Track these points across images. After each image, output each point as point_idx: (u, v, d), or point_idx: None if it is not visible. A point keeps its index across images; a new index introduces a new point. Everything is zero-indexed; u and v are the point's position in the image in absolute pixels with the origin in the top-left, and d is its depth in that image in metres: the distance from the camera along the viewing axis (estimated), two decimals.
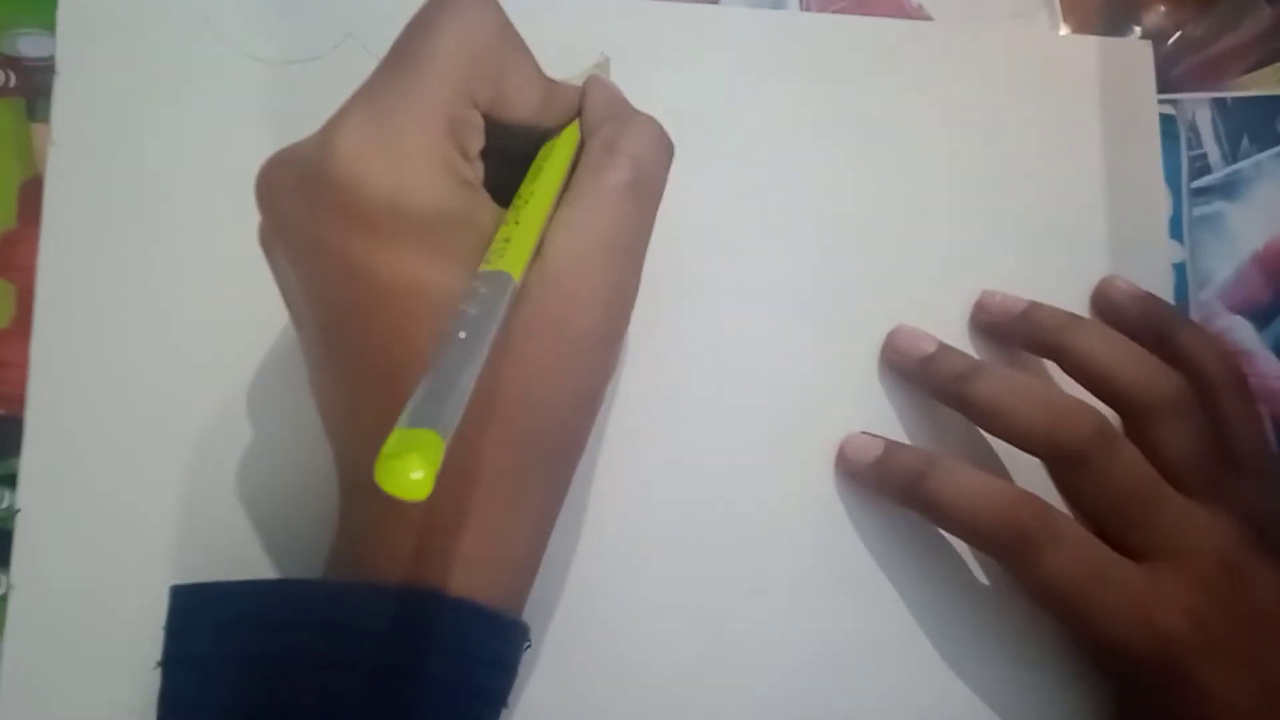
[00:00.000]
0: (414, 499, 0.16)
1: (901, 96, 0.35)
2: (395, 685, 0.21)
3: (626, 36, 0.33)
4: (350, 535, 0.24)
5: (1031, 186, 0.36)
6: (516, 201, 0.23)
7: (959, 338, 0.34)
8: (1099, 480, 0.29)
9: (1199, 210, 0.39)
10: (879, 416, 0.33)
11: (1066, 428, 0.29)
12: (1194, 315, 0.37)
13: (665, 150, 0.25)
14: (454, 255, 0.21)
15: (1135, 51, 0.38)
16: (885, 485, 0.31)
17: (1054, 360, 0.32)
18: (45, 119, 0.30)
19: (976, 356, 0.33)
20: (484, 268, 0.20)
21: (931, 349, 0.32)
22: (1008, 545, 0.28)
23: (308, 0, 0.31)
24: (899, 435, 0.33)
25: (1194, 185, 0.39)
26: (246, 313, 0.29)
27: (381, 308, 0.21)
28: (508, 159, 0.24)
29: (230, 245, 0.29)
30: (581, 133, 0.25)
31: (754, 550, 0.31)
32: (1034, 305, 0.33)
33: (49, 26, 0.31)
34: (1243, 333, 0.37)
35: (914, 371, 0.32)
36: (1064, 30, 0.39)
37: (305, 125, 0.29)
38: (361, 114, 0.21)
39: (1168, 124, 0.39)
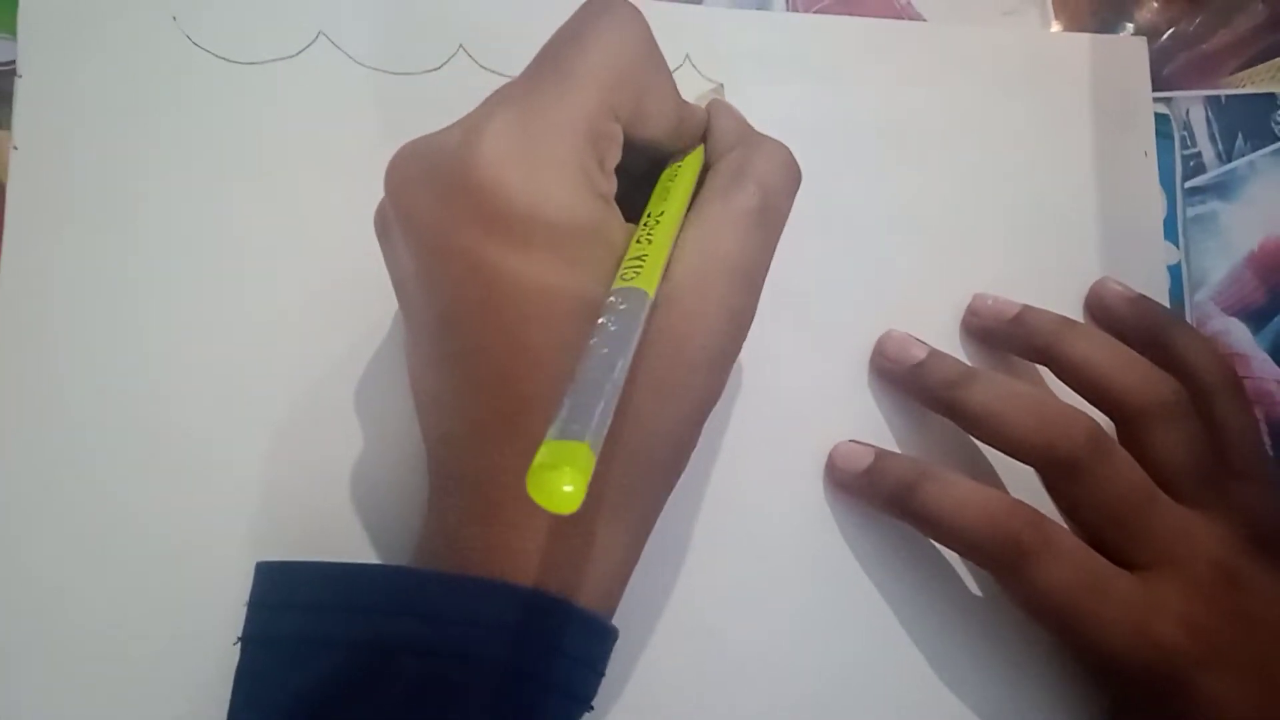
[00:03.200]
0: (564, 511, 0.16)
1: (891, 97, 0.34)
2: (492, 678, 0.21)
3: None
4: (443, 529, 0.24)
5: (1024, 187, 0.35)
6: (647, 220, 0.23)
7: (950, 341, 0.33)
8: (1093, 488, 0.29)
9: (1193, 210, 0.38)
10: (869, 423, 0.32)
11: (1059, 435, 0.29)
12: (1189, 318, 0.37)
13: (793, 178, 0.25)
14: (583, 266, 0.22)
15: (1129, 49, 0.37)
16: (875, 495, 0.30)
17: (1047, 366, 0.32)
18: (6, 126, 0.30)
19: (968, 362, 0.33)
20: (619, 284, 0.21)
21: (922, 355, 0.32)
22: (1000, 556, 0.28)
23: None
24: (889, 443, 0.32)
25: (1188, 185, 0.38)
26: (215, 315, 0.29)
27: (505, 311, 0.21)
28: (629, 176, 0.24)
29: (200, 248, 0.29)
30: (708, 156, 0.26)
31: (744, 558, 0.30)
32: (1027, 309, 0.33)
33: (9, 30, 0.30)
34: (1238, 335, 0.37)
35: (905, 378, 0.32)
36: (1055, 28, 0.38)
37: (275, 126, 0.29)
38: (507, 117, 0.21)
39: (1161, 123, 0.38)
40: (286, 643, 0.22)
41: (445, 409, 0.24)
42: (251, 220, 0.29)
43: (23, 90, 0.29)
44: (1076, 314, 0.35)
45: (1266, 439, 0.35)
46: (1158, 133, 0.38)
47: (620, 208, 0.23)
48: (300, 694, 0.21)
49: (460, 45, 0.30)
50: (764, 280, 0.25)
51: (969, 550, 0.29)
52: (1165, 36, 0.39)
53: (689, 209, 0.24)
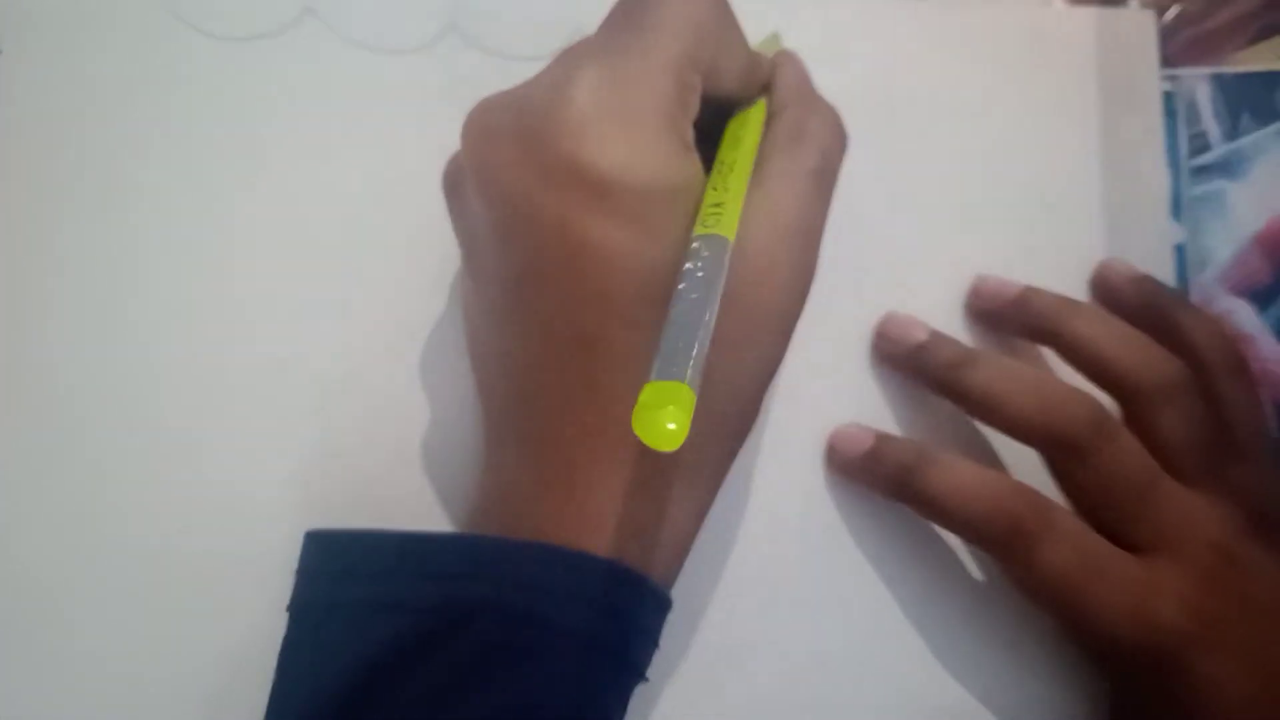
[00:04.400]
0: (668, 449, 0.17)
1: (892, 75, 0.34)
2: (570, 648, 0.21)
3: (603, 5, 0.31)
4: (509, 493, 0.23)
5: (1027, 166, 0.35)
6: (719, 168, 0.23)
7: (951, 323, 0.33)
8: (1095, 470, 0.28)
9: (1198, 189, 0.38)
10: (867, 406, 0.32)
11: (1062, 416, 0.28)
12: (1194, 298, 0.36)
13: (844, 141, 0.26)
14: (669, 223, 0.22)
15: (1136, 23, 0.37)
16: (875, 479, 0.30)
17: (1050, 346, 0.31)
18: None
19: (970, 344, 0.32)
20: (700, 230, 0.21)
21: (924, 337, 0.31)
22: (1001, 538, 0.28)
23: None
24: (887, 426, 0.32)
25: (1193, 164, 0.38)
26: (210, 303, 0.28)
27: (592, 271, 0.21)
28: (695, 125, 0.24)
29: (191, 228, 0.28)
30: (769, 106, 0.26)
31: (740, 542, 0.30)
32: (1029, 290, 0.32)
33: None
34: (1243, 315, 0.36)
35: (906, 360, 0.31)
36: (1060, 2, 0.37)
37: (262, 104, 0.28)
38: (593, 73, 0.21)
39: (1166, 100, 0.38)
40: (349, 608, 0.22)
41: (517, 368, 0.23)
42: (240, 197, 0.29)
43: (4, 71, 0.29)
44: (1080, 294, 0.34)
45: (1271, 420, 0.35)
46: (1163, 110, 0.37)
47: None
48: (364, 659, 0.21)
49: (451, 22, 0.30)
50: (820, 241, 0.25)
51: (969, 533, 0.29)
52: (1169, 12, 0.38)
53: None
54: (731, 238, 0.21)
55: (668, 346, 0.18)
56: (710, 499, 0.25)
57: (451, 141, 0.26)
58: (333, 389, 0.28)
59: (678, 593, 0.28)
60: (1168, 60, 0.38)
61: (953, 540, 0.31)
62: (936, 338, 0.31)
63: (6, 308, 0.28)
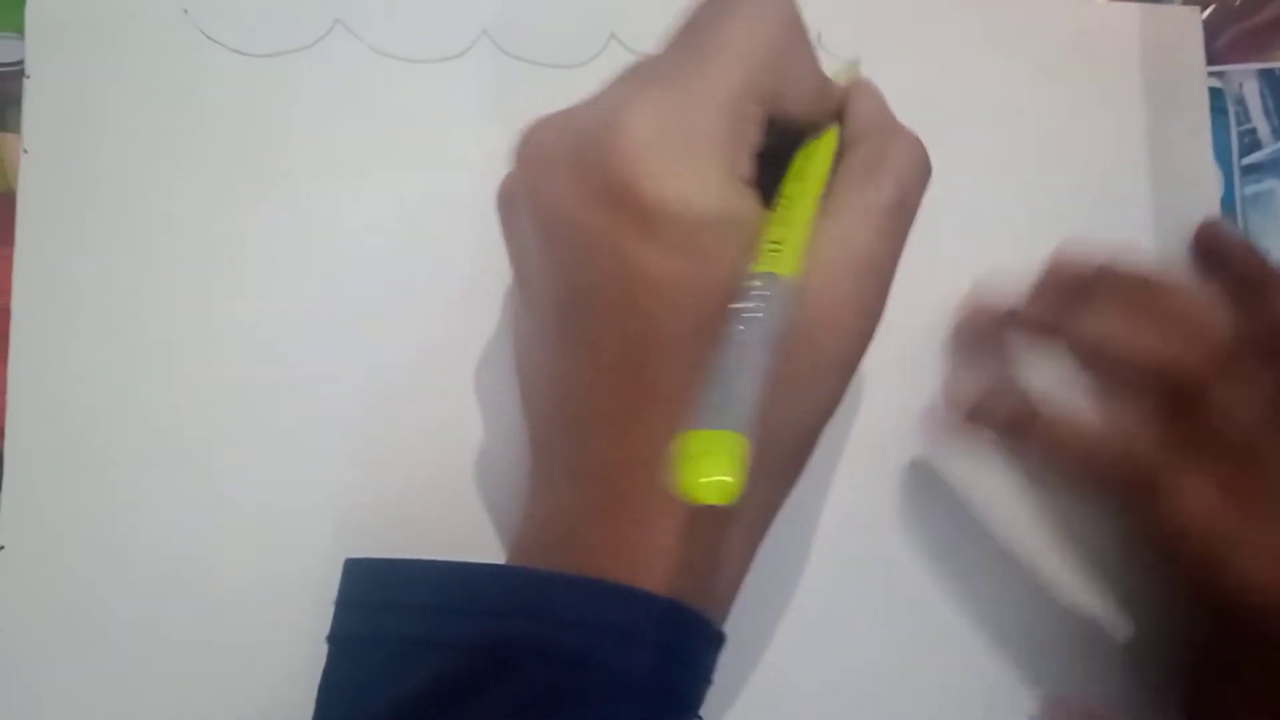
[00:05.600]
0: (720, 502, 0.16)
1: (933, 70, 0.33)
2: (625, 692, 0.20)
3: (635, 11, 0.30)
4: (558, 524, 0.23)
5: (1074, 167, 0.34)
6: (782, 202, 0.22)
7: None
8: (1218, 411, 0.28)
9: (1250, 188, 0.37)
10: (921, 396, 0.31)
11: (1184, 353, 0.28)
12: None
13: (926, 174, 0.24)
14: (721, 256, 0.21)
15: (1182, 20, 0.35)
16: (993, 421, 0.30)
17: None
18: (15, 129, 0.29)
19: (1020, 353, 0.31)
20: (760, 268, 0.20)
21: (1022, 296, 0.31)
22: (1130, 485, 0.28)
23: None
24: (906, 446, 0.31)
25: (1244, 162, 0.37)
26: (234, 319, 0.28)
27: (641, 298, 0.21)
28: (761, 152, 0.23)
29: (217, 250, 0.28)
30: (844, 137, 0.25)
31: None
32: (1113, 260, 0.31)
33: (17, 29, 0.29)
34: None
35: (1004, 322, 0.31)
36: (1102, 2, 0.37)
37: (293, 119, 0.28)
38: (650, 100, 0.21)
39: (1215, 98, 0.37)
40: (390, 643, 0.21)
41: (567, 392, 0.22)
42: (271, 215, 0.28)
43: (32, 91, 0.28)
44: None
45: None
46: (1211, 108, 0.36)
47: (756, 187, 0.22)
48: (407, 696, 0.20)
49: (483, 30, 0.29)
50: (892, 280, 0.23)
51: (1094, 477, 0.29)
52: (1211, 7, 0.37)
53: (823, 194, 0.23)
54: (793, 275, 0.20)
55: (718, 392, 0.17)
56: (760, 537, 0.24)
57: (486, 150, 0.25)
58: (373, 409, 0.28)
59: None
60: (1215, 57, 0.37)
61: (977, 539, 0.30)
62: (1037, 293, 0.31)
63: (35, 327, 0.28)
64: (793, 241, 0.21)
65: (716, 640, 0.23)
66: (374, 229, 0.28)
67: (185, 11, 0.29)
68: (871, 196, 0.23)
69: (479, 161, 0.26)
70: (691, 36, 0.22)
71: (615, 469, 0.21)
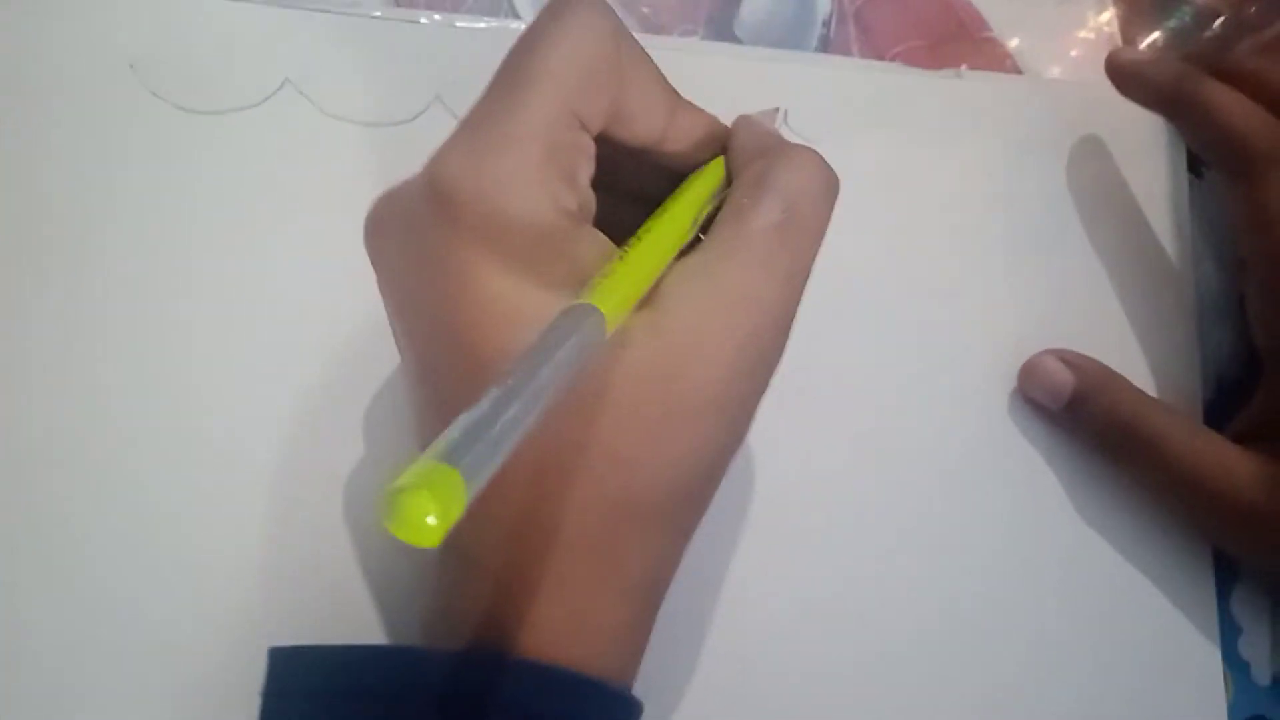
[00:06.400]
0: (418, 544, 0.13)
1: (901, 150, 0.31)
2: None
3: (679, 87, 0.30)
4: (437, 596, 0.22)
5: (1047, 248, 0.32)
6: (631, 238, 0.20)
7: (991, 399, 0.30)
8: None
9: None
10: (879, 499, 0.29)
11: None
12: None
13: (826, 186, 0.22)
14: (545, 284, 0.20)
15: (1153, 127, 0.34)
16: (1151, 89, 0.32)
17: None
18: None
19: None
20: (580, 299, 0.18)
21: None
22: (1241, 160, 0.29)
23: (245, 45, 0.28)
24: (905, 519, 0.29)
25: None
26: (175, 368, 0.26)
27: (457, 328, 0.20)
28: (634, 197, 0.22)
29: (160, 301, 0.26)
30: (728, 172, 0.23)
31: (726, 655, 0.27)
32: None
33: None
34: None
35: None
36: (1109, 14, 0.35)
37: (237, 178, 0.26)
38: (462, 144, 0.20)
39: None
40: None
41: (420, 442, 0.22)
42: (213, 276, 0.26)
43: None
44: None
45: None
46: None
47: (623, 231, 0.21)
48: None
49: (437, 95, 0.27)
50: (793, 308, 0.21)
51: (1219, 153, 0.30)
52: (1220, 21, 0.35)
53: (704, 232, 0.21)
54: (607, 309, 0.18)
55: (460, 423, 0.15)
56: (654, 587, 0.22)
57: None
58: (299, 473, 0.26)
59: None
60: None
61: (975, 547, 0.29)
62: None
63: None
64: (622, 274, 0.19)
65: (619, 703, 0.21)
66: (314, 291, 0.26)
67: (131, 67, 0.27)
68: (752, 219, 0.21)
69: None
70: (505, 71, 0.21)
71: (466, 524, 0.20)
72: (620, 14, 0.22)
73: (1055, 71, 0.34)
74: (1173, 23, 0.35)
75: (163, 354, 0.26)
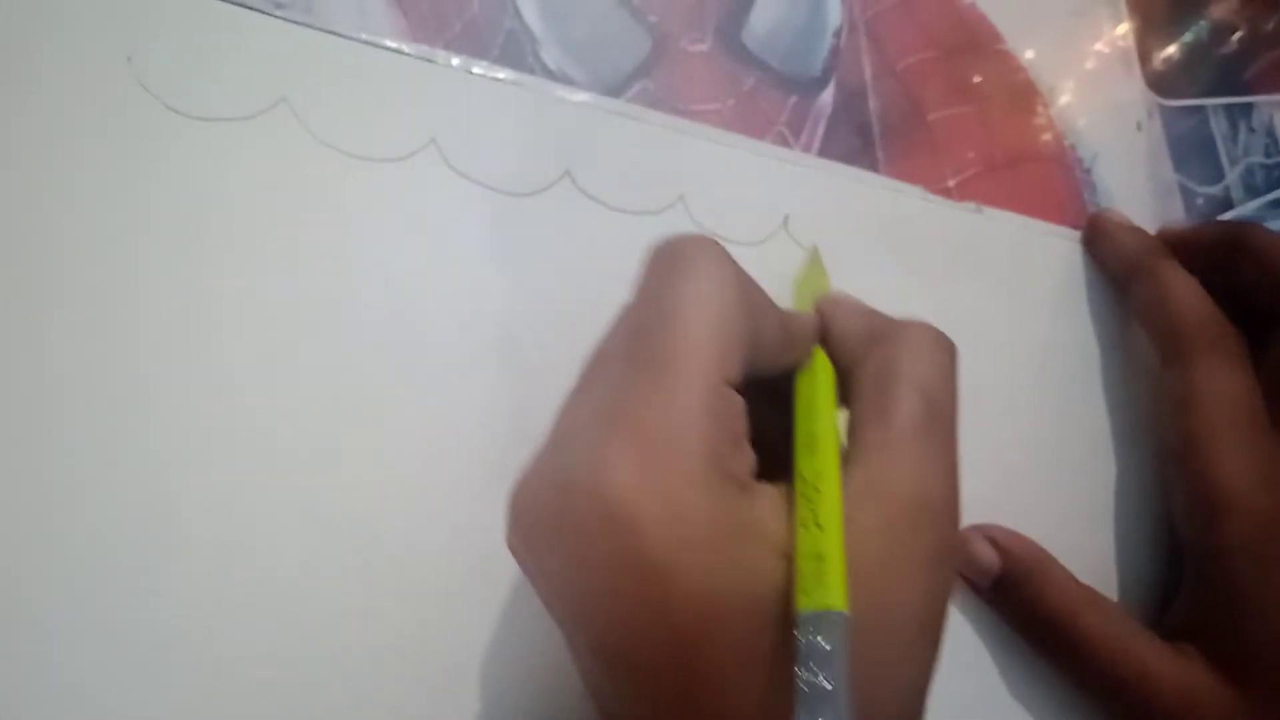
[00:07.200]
0: None
1: (906, 259, 0.30)
2: None
3: (697, 176, 0.29)
4: None
5: (1042, 366, 0.31)
6: (801, 487, 0.19)
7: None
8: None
9: (1277, 223, 0.35)
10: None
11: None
12: None
13: (950, 356, 0.21)
14: (739, 562, 0.18)
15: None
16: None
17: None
18: None
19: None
20: (805, 604, 0.17)
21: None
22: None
23: (248, 56, 0.26)
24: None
25: (1273, 196, 0.35)
26: (129, 382, 0.25)
27: (672, 641, 0.18)
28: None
29: (124, 310, 0.24)
30: (836, 361, 0.22)
31: None
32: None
33: None
34: None
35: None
36: (1126, 27, 0.34)
37: (220, 190, 0.25)
38: (623, 445, 0.18)
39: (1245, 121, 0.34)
40: None
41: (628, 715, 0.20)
42: (170, 284, 0.25)
43: None
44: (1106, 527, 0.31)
45: None
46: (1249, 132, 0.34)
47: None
48: None
49: (432, 139, 0.26)
50: (958, 505, 0.20)
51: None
52: (1237, 35, 0.35)
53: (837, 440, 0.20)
54: (843, 605, 0.17)
55: None
56: None
57: (405, 264, 0.25)
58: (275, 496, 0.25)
59: None
60: (1245, 86, 0.35)
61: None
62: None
63: None
64: (832, 550, 0.18)
65: None
66: (286, 315, 0.25)
67: (128, 59, 0.26)
68: (896, 420, 0.19)
69: (397, 272, 0.24)
70: (644, 346, 0.19)
71: None
72: (627, 22, 0.21)
73: (1069, 85, 0.34)
74: (1189, 37, 0.35)
75: (114, 363, 0.25)
